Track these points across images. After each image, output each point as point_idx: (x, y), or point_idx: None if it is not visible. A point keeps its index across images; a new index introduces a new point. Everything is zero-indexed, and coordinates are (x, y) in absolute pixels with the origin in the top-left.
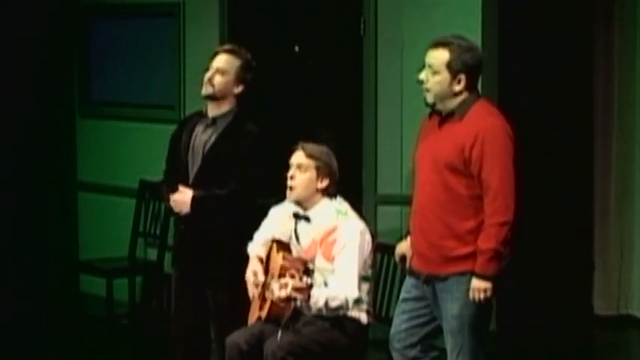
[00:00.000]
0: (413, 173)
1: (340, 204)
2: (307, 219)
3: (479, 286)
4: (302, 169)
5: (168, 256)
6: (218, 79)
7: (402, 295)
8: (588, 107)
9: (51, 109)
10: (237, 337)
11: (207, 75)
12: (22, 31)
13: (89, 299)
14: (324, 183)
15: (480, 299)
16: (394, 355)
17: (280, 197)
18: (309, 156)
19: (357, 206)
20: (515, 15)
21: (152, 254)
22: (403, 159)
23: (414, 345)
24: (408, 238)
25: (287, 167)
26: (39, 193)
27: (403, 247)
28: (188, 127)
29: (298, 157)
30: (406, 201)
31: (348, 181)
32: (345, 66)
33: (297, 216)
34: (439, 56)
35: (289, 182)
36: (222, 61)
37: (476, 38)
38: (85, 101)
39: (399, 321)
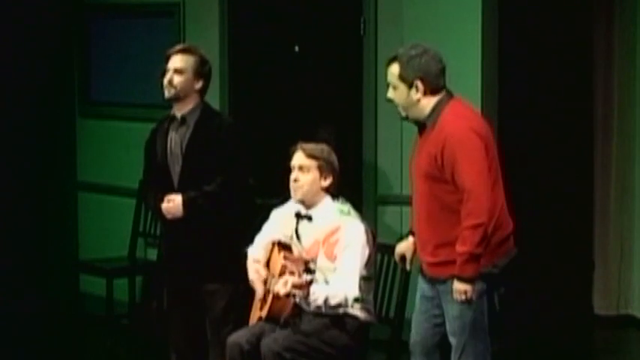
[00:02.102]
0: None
1: (343, 204)
2: (309, 218)
3: (459, 288)
4: (304, 170)
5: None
6: (177, 79)
7: (418, 292)
8: (588, 107)
9: (51, 109)
10: (238, 337)
11: (166, 78)
12: (22, 31)
13: (89, 299)
14: (327, 181)
15: (462, 301)
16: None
17: (284, 198)
18: (310, 156)
19: (357, 206)
20: (515, 15)
21: (152, 254)
22: (403, 159)
23: (437, 347)
24: (409, 238)
25: (287, 168)
26: (39, 193)
27: (403, 247)
28: (160, 133)
29: (299, 159)
30: (406, 201)
31: (348, 181)
32: (345, 66)
33: (298, 215)
34: (392, 71)
35: (293, 185)
36: (177, 61)
37: (476, 38)
38: (85, 101)
39: (419, 321)
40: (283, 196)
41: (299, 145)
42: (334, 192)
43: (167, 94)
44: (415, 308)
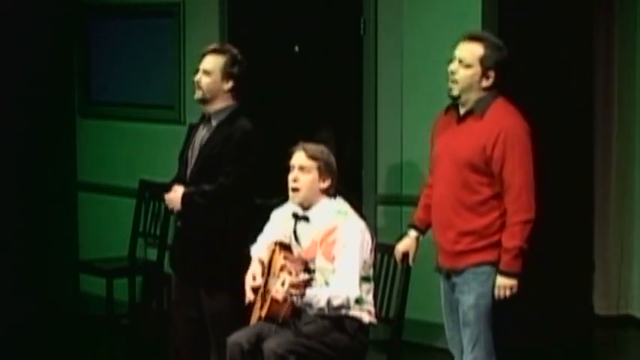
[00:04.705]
0: (430, 169)
1: (340, 204)
2: (306, 219)
3: (505, 284)
4: (304, 170)
5: (168, 256)
6: (204, 81)
7: (442, 292)
8: (588, 107)
9: (51, 109)
10: (238, 337)
11: (196, 77)
12: (23, 31)
13: (89, 299)
14: (326, 183)
15: (505, 296)
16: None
17: (283, 198)
18: (311, 157)
19: (357, 206)
20: (515, 15)
21: (152, 254)
22: (403, 159)
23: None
24: (410, 234)
25: (287, 168)
26: (39, 193)
27: (406, 243)
28: (196, 128)
29: (300, 159)
30: (406, 201)
31: (348, 181)
32: (345, 66)
33: (296, 216)
34: (473, 50)
35: (292, 184)
36: (206, 62)
37: None
38: (85, 101)
39: (451, 323)
40: (283, 197)
41: (301, 145)
42: (331, 192)
43: (195, 95)
44: (443, 310)
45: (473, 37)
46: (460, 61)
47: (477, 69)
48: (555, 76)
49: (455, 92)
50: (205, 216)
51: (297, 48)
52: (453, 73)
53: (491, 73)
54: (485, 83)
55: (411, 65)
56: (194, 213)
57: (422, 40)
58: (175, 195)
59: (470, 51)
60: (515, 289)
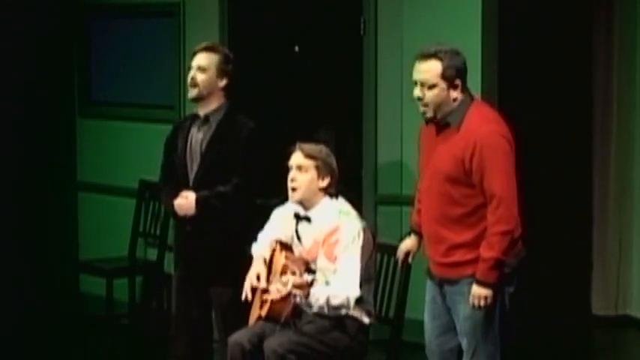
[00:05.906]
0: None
1: (342, 204)
2: (308, 219)
3: (479, 293)
4: (302, 170)
5: (168, 256)
6: (200, 77)
7: (427, 296)
8: (588, 107)
9: (51, 109)
10: (239, 337)
11: (190, 75)
12: (23, 31)
13: (89, 299)
14: (325, 182)
15: (480, 306)
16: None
17: (283, 198)
18: (308, 156)
19: (357, 206)
20: (515, 15)
21: (152, 254)
22: (403, 159)
23: (452, 352)
24: (411, 235)
25: (287, 168)
26: (39, 193)
27: (409, 243)
28: (182, 130)
29: (297, 159)
30: (406, 201)
31: (348, 181)
32: (345, 66)
33: (297, 216)
34: (432, 69)
35: (291, 184)
36: (200, 59)
37: (476, 38)
38: (85, 101)
39: (432, 327)
40: (283, 197)
41: (297, 145)
42: (332, 192)
43: (190, 94)
44: (425, 314)
45: (426, 55)
46: (422, 84)
47: (442, 85)
48: (555, 75)
49: (429, 114)
50: (218, 217)
51: (297, 48)
52: (420, 99)
53: (457, 82)
54: (454, 94)
55: (411, 65)
56: (209, 216)
57: (422, 40)
58: (187, 201)
59: (428, 70)
60: (490, 300)
